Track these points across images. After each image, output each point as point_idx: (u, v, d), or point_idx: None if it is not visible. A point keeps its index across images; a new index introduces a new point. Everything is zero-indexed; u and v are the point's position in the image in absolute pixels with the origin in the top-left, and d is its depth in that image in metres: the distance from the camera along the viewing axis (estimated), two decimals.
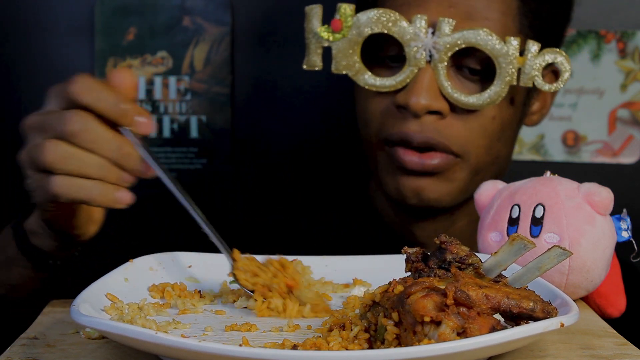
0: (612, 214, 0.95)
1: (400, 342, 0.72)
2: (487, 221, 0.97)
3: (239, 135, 1.61)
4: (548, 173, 0.98)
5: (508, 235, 0.94)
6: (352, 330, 0.76)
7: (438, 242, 0.79)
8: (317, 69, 1.18)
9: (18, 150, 0.96)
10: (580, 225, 0.92)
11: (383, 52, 1.18)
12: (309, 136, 1.63)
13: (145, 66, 1.59)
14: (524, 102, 1.23)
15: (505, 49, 1.11)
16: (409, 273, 0.81)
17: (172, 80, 1.59)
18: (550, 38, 1.20)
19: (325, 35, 1.16)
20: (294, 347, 0.75)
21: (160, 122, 1.59)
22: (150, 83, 1.59)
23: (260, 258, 0.93)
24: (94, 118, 0.87)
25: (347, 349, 0.74)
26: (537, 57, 1.12)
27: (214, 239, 0.92)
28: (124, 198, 0.88)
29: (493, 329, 0.68)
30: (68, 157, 0.86)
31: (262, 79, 1.62)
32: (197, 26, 1.59)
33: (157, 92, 1.59)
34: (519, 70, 1.12)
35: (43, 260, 1.02)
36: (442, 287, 0.70)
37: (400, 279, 0.76)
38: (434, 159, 1.16)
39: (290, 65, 1.60)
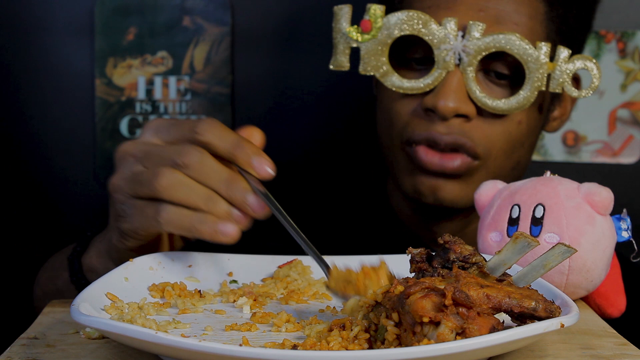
0: (612, 214, 0.95)
1: (400, 342, 0.72)
2: (487, 221, 0.97)
3: None
4: (548, 173, 0.98)
5: (508, 235, 0.94)
6: (352, 330, 0.76)
7: (442, 241, 0.79)
8: (344, 69, 1.18)
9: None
10: (580, 225, 0.92)
11: (409, 54, 1.18)
12: (309, 136, 1.64)
13: (145, 66, 1.59)
14: (548, 109, 1.24)
15: (535, 54, 1.11)
16: (413, 273, 0.81)
17: (172, 80, 1.59)
18: (575, 44, 1.20)
19: (354, 35, 1.15)
20: (294, 347, 0.75)
21: None
22: (150, 83, 1.59)
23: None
24: (209, 154, 0.88)
25: (347, 349, 0.74)
26: (567, 63, 1.12)
27: (317, 258, 0.89)
28: (229, 231, 0.87)
29: (493, 329, 0.68)
30: (179, 185, 0.87)
31: (262, 79, 1.62)
32: (197, 26, 1.59)
33: (157, 92, 1.59)
34: (549, 76, 1.12)
35: None
36: (442, 287, 0.70)
37: (402, 278, 0.76)
38: (455, 161, 1.16)
39: (290, 65, 1.60)
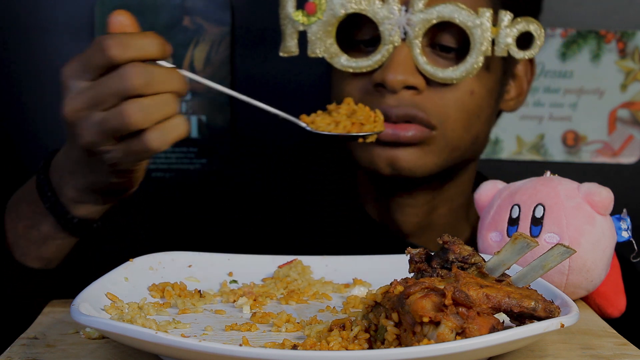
0: (612, 214, 0.95)
1: (400, 342, 0.72)
2: (487, 221, 0.97)
3: (239, 135, 1.61)
4: (548, 173, 0.98)
5: (508, 235, 0.94)
6: (352, 330, 0.76)
7: (441, 242, 0.79)
8: (293, 54, 1.19)
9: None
10: (580, 225, 0.92)
11: (357, 36, 1.20)
12: (310, 136, 1.63)
13: None
14: (500, 81, 1.23)
15: (478, 20, 1.13)
16: (412, 274, 0.81)
17: None
18: (525, 14, 1.20)
19: (300, 19, 1.17)
20: (294, 347, 0.75)
21: None
22: None
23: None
24: (144, 63, 0.90)
25: (347, 349, 0.74)
26: (510, 26, 1.13)
27: (280, 113, 1.00)
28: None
29: (493, 329, 0.68)
30: (147, 109, 0.89)
31: (262, 79, 1.62)
32: (197, 26, 1.59)
33: None
34: (494, 42, 1.13)
35: (86, 227, 1.04)
36: (442, 287, 0.70)
37: (401, 279, 0.76)
38: (408, 131, 1.17)
39: (290, 65, 1.60)
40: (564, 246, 0.74)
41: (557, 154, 1.64)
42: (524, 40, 1.14)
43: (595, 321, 0.88)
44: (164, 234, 1.31)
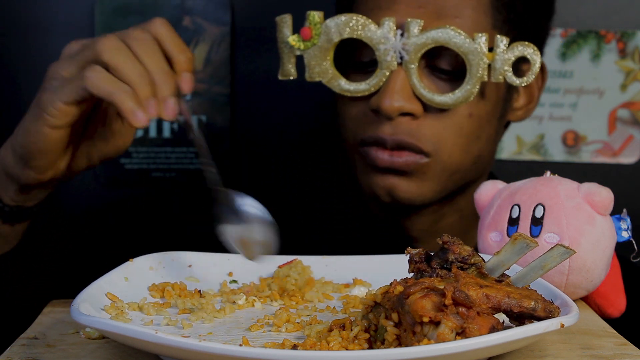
0: (612, 214, 0.95)
1: (400, 342, 0.72)
2: (487, 221, 0.97)
3: (239, 135, 1.61)
4: (548, 173, 0.98)
5: (508, 235, 0.94)
6: (352, 330, 0.76)
7: (440, 242, 0.79)
8: (291, 78, 1.19)
9: None
10: (580, 225, 0.92)
11: (357, 57, 1.19)
12: (309, 136, 1.63)
13: None
14: (504, 98, 1.22)
15: (474, 45, 1.11)
16: (412, 274, 0.81)
17: None
18: (530, 31, 1.19)
19: (296, 44, 1.16)
20: (294, 347, 0.75)
21: (160, 122, 1.59)
22: None
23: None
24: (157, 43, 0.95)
25: (347, 349, 0.74)
26: (506, 51, 1.12)
27: None
28: (141, 118, 0.90)
29: (493, 329, 0.68)
30: (119, 50, 0.91)
31: (262, 79, 1.62)
32: (197, 26, 1.59)
33: None
34: (490, 66, 1.12)
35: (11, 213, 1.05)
36: (442, 287, 0.70)
37: (401, 279, 0.76)
38: (402, 157, 1.16)
39: None
40: (564, 246, 0.74)
41: (557, 154, 1.64)
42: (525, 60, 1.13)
43: (595, 321, 0.88)
44: (164, 234, 1.31)
